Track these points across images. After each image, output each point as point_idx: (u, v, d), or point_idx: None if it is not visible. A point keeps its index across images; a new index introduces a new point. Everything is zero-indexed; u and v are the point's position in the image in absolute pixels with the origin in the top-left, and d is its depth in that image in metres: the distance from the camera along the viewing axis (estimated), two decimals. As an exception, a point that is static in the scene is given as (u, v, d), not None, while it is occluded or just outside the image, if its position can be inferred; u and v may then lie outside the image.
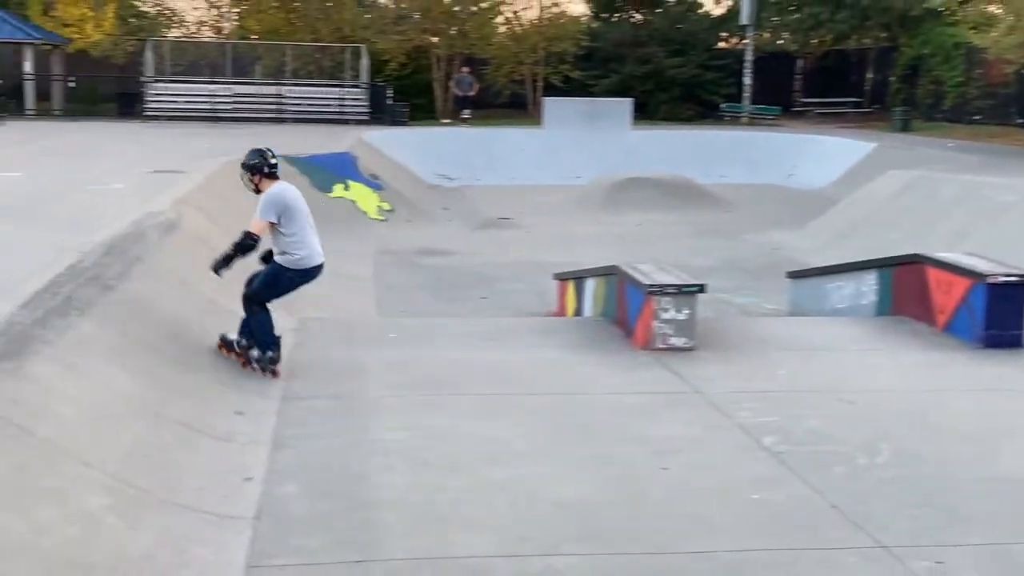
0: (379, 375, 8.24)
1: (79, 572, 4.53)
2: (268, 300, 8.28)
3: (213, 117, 32.65)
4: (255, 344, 8.14)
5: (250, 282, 8.32)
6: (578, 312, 12.16)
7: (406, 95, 35.57)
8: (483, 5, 38.47)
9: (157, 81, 33.98)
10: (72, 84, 36.68)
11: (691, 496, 5.94)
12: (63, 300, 7.37)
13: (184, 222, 12.11)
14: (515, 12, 39.47)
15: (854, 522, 5.59)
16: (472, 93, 35.18)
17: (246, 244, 8.05)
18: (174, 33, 39.54)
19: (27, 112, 33.97)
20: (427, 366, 8.51)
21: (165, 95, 33.66)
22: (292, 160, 21.44)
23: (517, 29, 39.18)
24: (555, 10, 39.38)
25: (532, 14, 39.24)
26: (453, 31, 38.26)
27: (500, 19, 39.77)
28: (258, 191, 8.22)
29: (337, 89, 34.73)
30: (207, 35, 40.25)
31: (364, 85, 34.83)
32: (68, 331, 6.87)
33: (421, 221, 21.86)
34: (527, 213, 23.27)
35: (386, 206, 22.12)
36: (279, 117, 33.20)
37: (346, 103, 34.28)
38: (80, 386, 6.30)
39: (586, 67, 38.06)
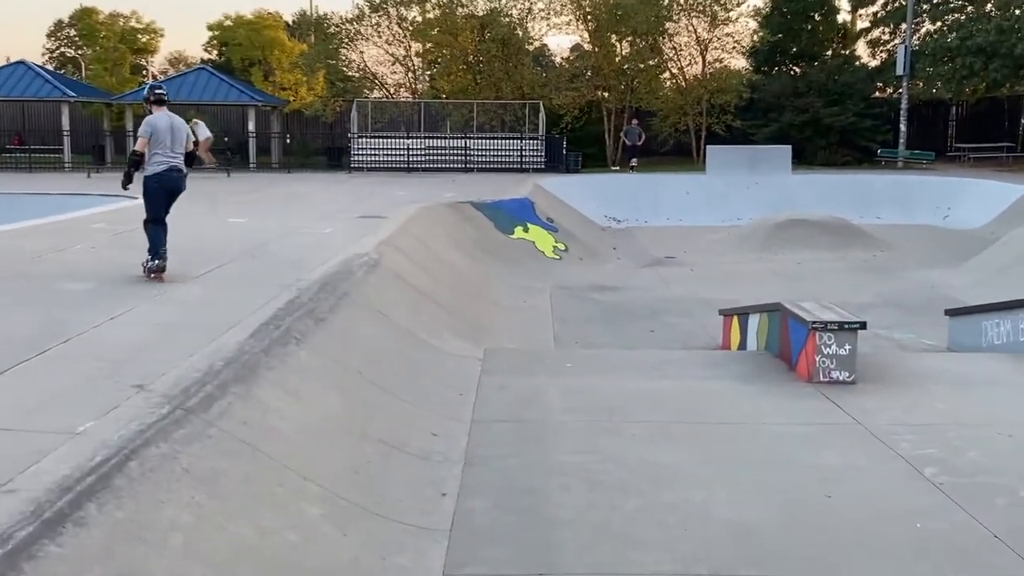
0: (557, 401, 8.23)
1: (297, 574, 4.68)
2: (152, 214, 10.00)
3: (408, 168, 33.59)
4: (149, 256, 10.01)
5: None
6: (742, 346, 11.91)
7: (579, 145, 35.87)
8: (650, 63, 38.55)
9: (360, 137, 35.16)
10: (288, 140, 38.39)
11: (855, 523, 5.71)
12: (284, 331, 7.68)
13: (385, 261, 12.47)
14: (680, 68, 39.36)
15: (1017, 552, 5.27)
16: (640, 143, 35.17)
17: (132, 159, 9.89)
18: (375, 94, 40.97)
19: (250, 165, 35.72)
20: (601, 394, 8.47)
21: (367, 149, 34.80)
22: (478, 205, 21.89)
23: (682, 83, 39.01)
24: (718, 65, 39.09)
25: (696, 69, 39.06)
26: (622, 87, 38.43)
27: (666, 75, 39.72)
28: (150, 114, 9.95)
29: (517, 141, 35.26)
30: (404, 95, 41.58)
31: (541, 137, 35.26)
32: (288, 359, 7.15)
33: (592, 260, 21.86)
34: (691, 252, 23.01)
35: (561, 246, 22.24)
36: (465, 167, 33.89)
37: (525, 153, 34.74)
38: (297, 407, 6.53)
39: (747, 117, 37.54)
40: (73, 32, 53.04)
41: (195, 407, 5.57)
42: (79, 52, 53.67)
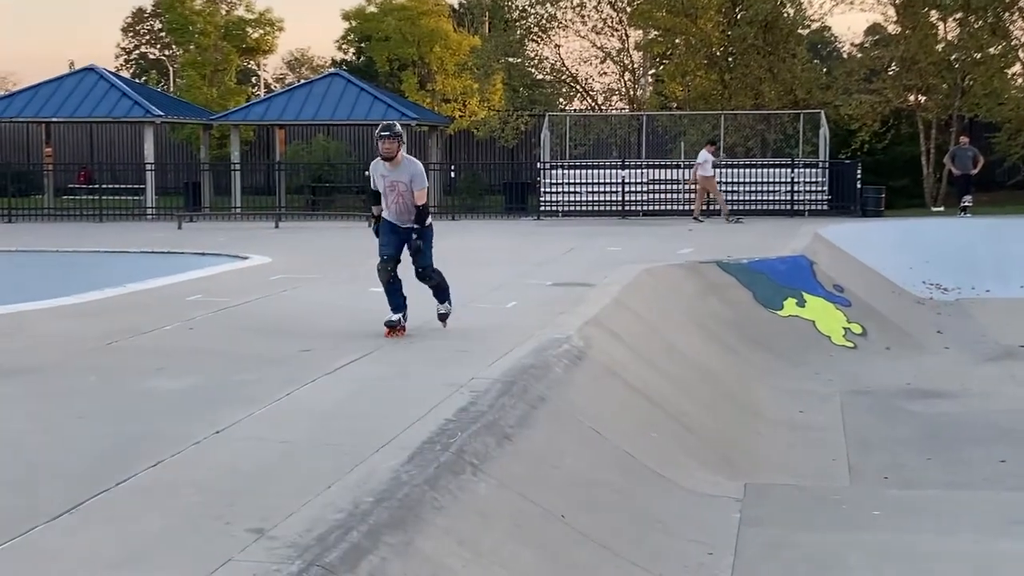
0: (861, 571, 8.07)
1: None
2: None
3: (623, 211, 33.85)
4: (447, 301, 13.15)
5: (415, 259, 12.84)
6: None
7: (881, 175, 35.36)
8: (991, 51, 37.61)
9: (555, 167, 35.59)
10: (452, 174, 39.00)
11: None
12: (455, 454, 7.80)
13: (594, 350, 12.56)
14: (1039, 58, 38.39)
15: None
16: (975, 171, 34.26)
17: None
18: (576, 105, 41.65)
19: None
20: (931, 563, 8.25)
21: (564, 184, 35.09)
22: (728, 267, 21.76)
23: (1040, 81, 38.02)
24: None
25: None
26: (947, 87, 37.70)
27: (1015, 68, 38.76)
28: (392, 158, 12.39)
29: (786, 170, 34.86)
30: (617, 106, 42.06)
31: (823, 163, 34.87)
32: (461, 494, 7.26)
33: (905, 349, 21.34)
34: (1062, 338, 22.19)
35: (855, 328, 21.82)
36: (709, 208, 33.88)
37: (799, 187, 34.34)
38: (476, 567, 6.58)
39: None
40: (159, 26, 56.30)
41: (336, 564, 5.69)
42: (166, 53, 56.96)
